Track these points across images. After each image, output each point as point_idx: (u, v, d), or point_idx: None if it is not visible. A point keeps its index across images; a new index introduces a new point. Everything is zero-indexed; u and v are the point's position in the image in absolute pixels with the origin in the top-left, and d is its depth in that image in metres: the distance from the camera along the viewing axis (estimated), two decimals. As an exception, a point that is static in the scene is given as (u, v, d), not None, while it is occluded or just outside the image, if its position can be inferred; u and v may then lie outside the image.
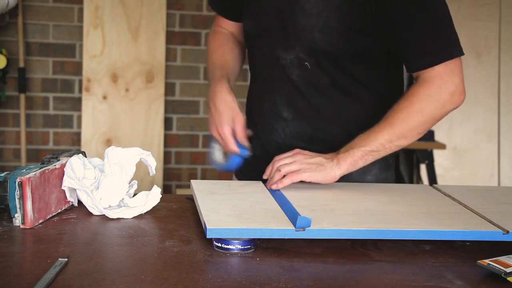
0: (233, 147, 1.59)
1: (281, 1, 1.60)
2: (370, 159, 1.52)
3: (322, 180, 1.48)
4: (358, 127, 1.55)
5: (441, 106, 1.51)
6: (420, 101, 1.50)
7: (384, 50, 1.57)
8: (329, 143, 1.59)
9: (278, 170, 1.48)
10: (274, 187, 1.47)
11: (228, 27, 1.81)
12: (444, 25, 1.51)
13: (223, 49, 1.75)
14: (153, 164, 1.49)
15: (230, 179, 1.83)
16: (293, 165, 1.48)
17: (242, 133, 1.60)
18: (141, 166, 1.51)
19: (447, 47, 1.50)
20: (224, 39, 1.78)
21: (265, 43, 1.65)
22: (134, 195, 1.47)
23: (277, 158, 1.52)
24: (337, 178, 1.50)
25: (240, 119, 1.60)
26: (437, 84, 1.50)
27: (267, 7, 1.63)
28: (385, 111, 1.54)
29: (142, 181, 3.64)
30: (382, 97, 1.62)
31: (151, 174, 1.49)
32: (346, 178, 1.66)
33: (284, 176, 1.48)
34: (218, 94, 1.62)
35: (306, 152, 1.52)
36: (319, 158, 1.50)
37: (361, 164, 1.52)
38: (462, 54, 1.51)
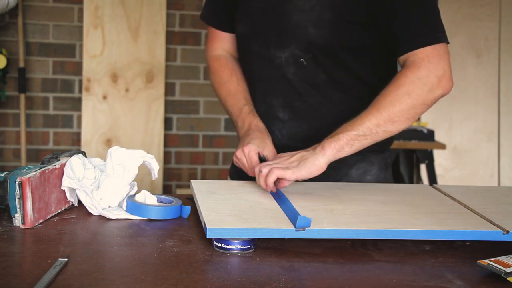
0: (255, 165, 1.52)
1: (273, 1, 1.60)
2: (357, 144, 1.47)
3: (307, 174, 1.43)
4: None
5: (429, 89, 1.49)
6: (408, 84, 1.49)
7: (378, 42, 1.58)
8: None
9: (260, 170, 1.44)
10: (269, 189, 1.44)
11: (224, 44, 1.78)
12: (434, 13, 1.54)
13: (236, 76, 1.73)
14: (156, 167, 1.48)
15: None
16: (272, 165, 1.45)
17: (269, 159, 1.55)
18: (141, 166, 1.51)
19: (436, 31, 1.52)
20: (231, 65, 1.75)
21: (259, 43, 1.65)
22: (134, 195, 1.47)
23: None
24: (323, 167, 1.45)
25: (270, 149, 1.56)
26: (425, 66, 1.49)
27: (260, 7, 1.64)
28: None
29: (142, 182, 3.64)
30: (378, 93, 1.62)
31: (153, 178, 1.49)
32: (346, 178, 1.67)
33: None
34: (253, 127, 1.62)
35: (286, 153, 1.49)
36: (299, 154, 1.47)
37: (347, 149, 1.47)
38: (448, 42, 1.53)
